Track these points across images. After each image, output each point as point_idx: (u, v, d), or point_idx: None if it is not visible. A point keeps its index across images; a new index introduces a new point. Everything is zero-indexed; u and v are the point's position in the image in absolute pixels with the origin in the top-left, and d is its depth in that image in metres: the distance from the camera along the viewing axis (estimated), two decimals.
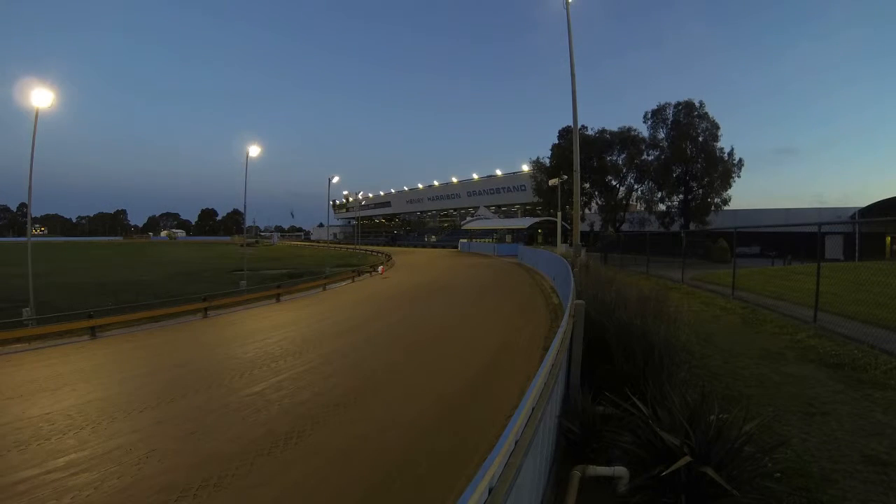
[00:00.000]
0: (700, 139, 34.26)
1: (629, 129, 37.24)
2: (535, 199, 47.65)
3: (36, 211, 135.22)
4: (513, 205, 67.95)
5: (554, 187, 32.94)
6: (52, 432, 5.36)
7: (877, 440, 4.06)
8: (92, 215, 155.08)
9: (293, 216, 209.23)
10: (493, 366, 7.73)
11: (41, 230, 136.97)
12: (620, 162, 37.64)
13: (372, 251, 52.03)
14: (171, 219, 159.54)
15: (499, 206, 70.38)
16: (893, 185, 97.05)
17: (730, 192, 34.58)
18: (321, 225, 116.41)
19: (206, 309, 14.19)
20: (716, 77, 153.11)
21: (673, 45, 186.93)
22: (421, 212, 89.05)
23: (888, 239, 27.07)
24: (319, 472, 4.33)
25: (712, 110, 34.81)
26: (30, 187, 14.68)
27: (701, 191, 34.90)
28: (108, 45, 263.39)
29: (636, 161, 36.78)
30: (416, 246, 65.20)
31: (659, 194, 37.00)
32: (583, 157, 26.13)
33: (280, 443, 4.90)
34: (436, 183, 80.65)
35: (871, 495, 3.26)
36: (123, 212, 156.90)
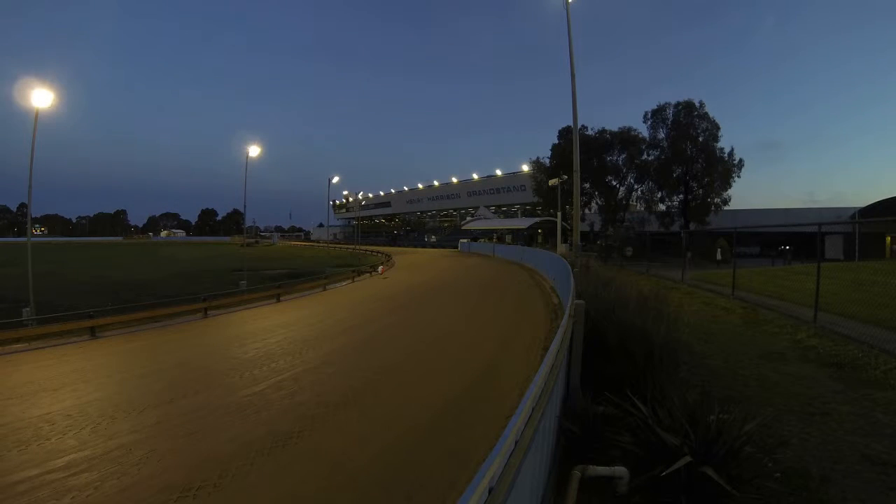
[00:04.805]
0: (700, 139, 34.26)
1: (629, 129, 37.26)
2: (535, 200, 47.69)
3: (36, 211, 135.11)
4: (513, 205, 67.99)
5: (554, 187, 32.93)
6: (52, 432, 5.36)
7: (877, 440, 4.06)
8: (92, 215, 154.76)
9: (291, 217, 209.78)
10: (492, 367, 7.72)
11: (41, 230, 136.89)
12: (620, 162, 37.66)
13: (372, 251, 51.98)
14: (171, 219, 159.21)
15: (499, 207, 70.41)
16: (887, 184, 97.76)
17: (729, 192, 34.69)
18: (321, 225, 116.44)
19: (206, 309, 14.19)
20: (704, 72, 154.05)
21: (662, 43, 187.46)
22: (421, 212, 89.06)
23: (888, 239, 27.09)
24: (319, 472, 4.33)
25: (700, 106, 34.71)
26: (30, 187, 14.71)
27: (701, 191, 34.91)
28: (107, 46, 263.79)
29: (636, 161, 36.80)
30: (416, 246, 65.13)
31: (659, 194, 37.04)
32: (583, 157, 26.16)
33: (280, 443, 4.90)
34: (436, 183, 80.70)
35: (871, 495, 3.26)
36: (123, 212, 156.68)
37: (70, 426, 5.52)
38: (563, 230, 32.70)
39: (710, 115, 34.47)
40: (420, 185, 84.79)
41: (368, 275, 25.67)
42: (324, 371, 7.63)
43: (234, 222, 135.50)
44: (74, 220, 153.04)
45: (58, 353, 9.65)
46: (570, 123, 18.41)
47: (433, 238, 71.64)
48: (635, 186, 38.46)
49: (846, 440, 4.09)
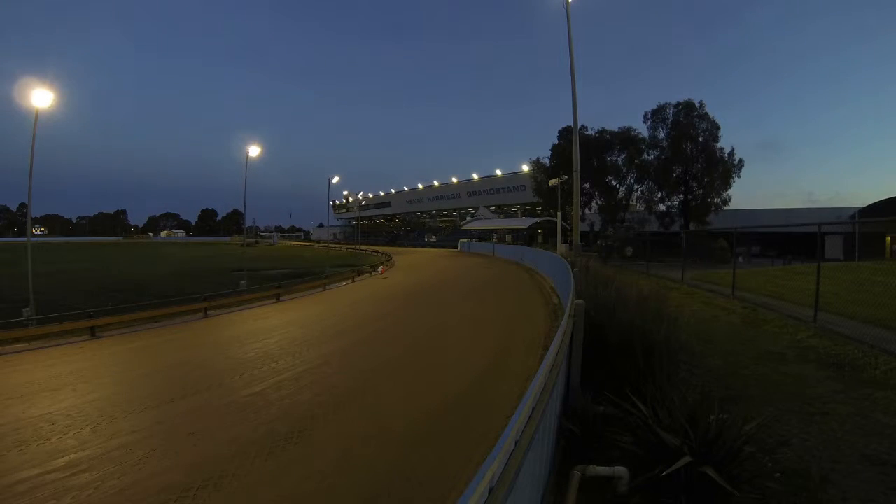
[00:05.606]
0: (700, 139, 34.22)
1: (629, 129, 37.23)
2: (535, 199, 47.65)
3: (36, 211, 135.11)
4: (513, 205, 67.96)
5: (554, 187, 32.93)
6: (52, 432, 5.36)
7: (877, 440, 4.06)
8: (92, 215, 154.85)
9: (291, 217, 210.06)
10: (492, 367, 7.72)
11: (41, 230, 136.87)
12: (620, 162, 37.63)
13: (372, 251, 52.00)
14: (171, 219, 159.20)
15: (499, 207, 70.39)
16: (887, 184, 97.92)
17: (729, 192, 34.68)
18: (321, 225, 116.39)
19: (206, 309, 14.18)
20: (704, 72, 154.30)
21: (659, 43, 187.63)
22: (421, 212, 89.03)
23: (888, 239, 27.09)
24: (320, 472, 4.33)
25: (700, 106, 34.65)
26: (30, 187, 14.69)
27: (701, 191, 34.87)
28: (107, 45, 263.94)
29: (636, 161, 36.77)
30: (416, 246, 65.15)
31: (659, 194, 36.98)
32: (583, 157, 26.12)
33: (280, 443, 4.90)
34: (436, 183, 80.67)
35: (872, 495, 3.27)
36: (123, 212, 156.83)
37: (70, 426, 5.52)
38: (563, 230, 32.69)
39: (710, 115, 34.50)
40: (420, 185, 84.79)
41: (368, 275, 25.66)
42: (324, 371, 7.63)
43: (234, 222, 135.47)
44: (74, 220, 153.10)
45: (58, 353, 9.65)
46: (570, 123, 18.43)
47: (433, 238, 71.64)
48: (635, 186, 38.44)
49: (846, 440, 4.09)
